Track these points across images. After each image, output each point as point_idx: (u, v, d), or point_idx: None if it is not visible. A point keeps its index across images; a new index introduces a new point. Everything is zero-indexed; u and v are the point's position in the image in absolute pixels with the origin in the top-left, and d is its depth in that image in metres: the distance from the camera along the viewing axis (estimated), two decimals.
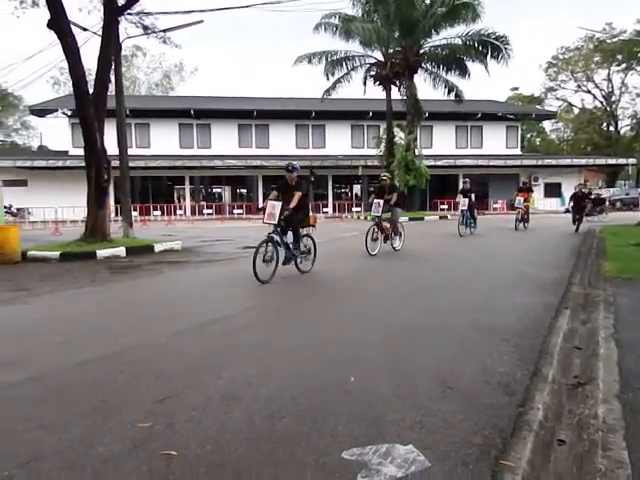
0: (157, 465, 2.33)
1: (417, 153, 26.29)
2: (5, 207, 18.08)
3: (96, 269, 9.24)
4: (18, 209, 28.25)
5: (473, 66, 25.68)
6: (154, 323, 5.19)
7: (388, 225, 10.52)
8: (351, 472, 2.19)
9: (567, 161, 35.61)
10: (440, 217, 25.85)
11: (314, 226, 8.21)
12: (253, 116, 32.68)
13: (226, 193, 35.84)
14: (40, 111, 34.04)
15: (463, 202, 14.64)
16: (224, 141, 33.16)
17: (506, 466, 2.28)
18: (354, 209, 30.49)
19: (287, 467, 2.27)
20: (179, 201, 33.72)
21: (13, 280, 8.13)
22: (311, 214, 8.23)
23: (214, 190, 35.91)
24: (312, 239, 8.17)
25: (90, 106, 11.53)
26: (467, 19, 24.19)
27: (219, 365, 3.74)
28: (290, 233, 7.71)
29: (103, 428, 2.73)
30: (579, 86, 51.49)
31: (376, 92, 28.04)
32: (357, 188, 35.74)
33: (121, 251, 11.13)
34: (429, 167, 26.95)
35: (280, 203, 7.31)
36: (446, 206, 30.37)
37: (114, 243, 11.74)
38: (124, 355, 4.07)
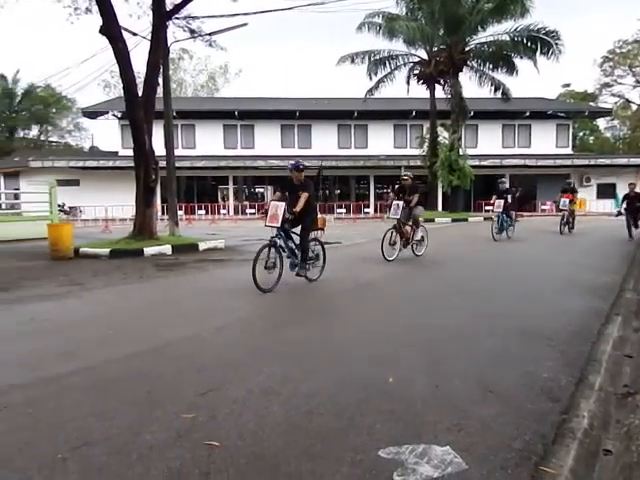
0: (200, 454, 2.42)
1: (461, 153, 25.78)
2: (58, 205, 18.80)
3: (144, 266, 9.57)
4: (70, 207, 29.56)
5: (521, 63, 24.95)
6: (198, 318, 5.34)
7: (408, 229, 9.78)
8: (387, 470, 2.20)
9: (623, 160, 34.01)
10: (485, 218, 25.26)
11: (323, 229, 7.58)
12: (296, 116, 32.95)
13: (268, 193, 36.31)
14: (92, 113, 35.48)
15: (498, 204, 13.74)
16: (267, 141, 33.60)
17: (547, 473, 2.23)
18: None
19: (324, 462, 2.30)
20: (223, 200, 34.41)
21: (67, 275, 8.53)
22: (319, 216, 7.60)
23: (257, 190, 36.47)
24: (321, 244, 7.56)
25: (140, 108, 11.93)
26: (515, 14, 23.49)
27: (259, 360, 3.82)
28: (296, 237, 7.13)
29: (149, 417, 2.84)
30: (638, 81, 49.10)
31: (419, 91, 27.78)
32: None
33: (167, 249, 11.47)
34: (474, 167, 26.38)
35: (284, 204, 6.70)
36: (491, 207, 29.63)
37: (161, 241, 12.11)
38: (169, 349, 4.22)
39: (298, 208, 6.70)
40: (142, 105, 12.04)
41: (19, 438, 2.61)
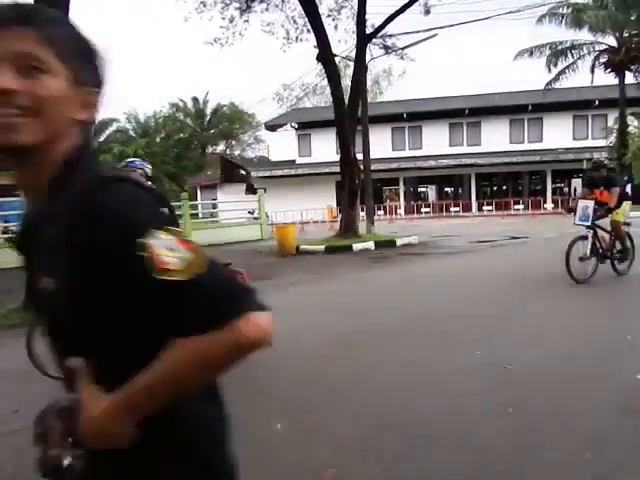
0: (499, 372, 3.74)
1: None
2: (249, 212, 21.13)
3: (359, 259, 11.31)
4: None
5: None
6: (431, 294, 6.73)
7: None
8: None
9: None
10: None
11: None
12: (465, 114, 33.07)
13: (433, 192, 36.89)
14: (272, 126, 39.69)
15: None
16: (434, 141, 34.15)
17: None
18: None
19: (596, 382, 3.48)
20: (387, 201, 35.80)
21: (304, 267, 10.39)
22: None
23: (419, 190, 37.27)
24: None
25: (346, 122, 13.85)
26: None
27: (496, 335, 5.07)
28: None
29: (449, 353, 4.27)
30: None
31: (602, 79, 26.18)
32: (577, 182, 33.46)
33: (371, 245, 13.15)
34: None
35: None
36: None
37: (364, 238, 13.91)
38: (435, 312, 5.69)
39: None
40: (348, 119, 13.92)
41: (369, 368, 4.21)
